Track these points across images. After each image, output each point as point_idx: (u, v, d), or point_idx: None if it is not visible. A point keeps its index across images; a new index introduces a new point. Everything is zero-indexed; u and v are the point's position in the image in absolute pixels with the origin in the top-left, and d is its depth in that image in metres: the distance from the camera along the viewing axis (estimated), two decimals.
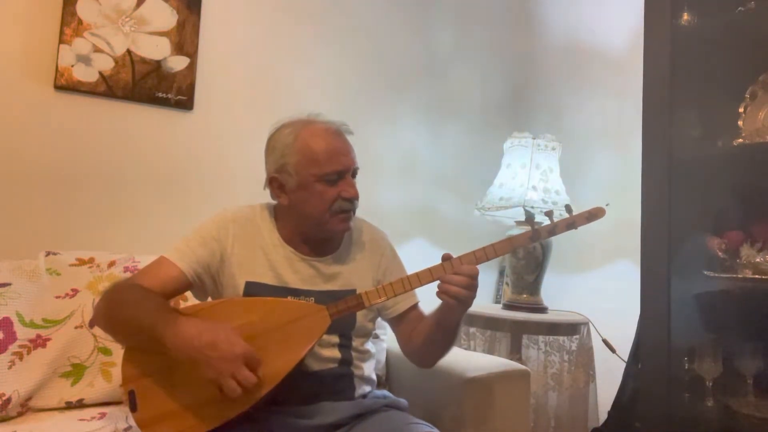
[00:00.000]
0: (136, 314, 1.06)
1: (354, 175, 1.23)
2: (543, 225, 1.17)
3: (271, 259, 1.22)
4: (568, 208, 1.18)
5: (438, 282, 1.11)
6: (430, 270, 1.11)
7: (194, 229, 1.23)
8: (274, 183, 1.22)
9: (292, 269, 1.22)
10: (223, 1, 2.03)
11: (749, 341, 1.42)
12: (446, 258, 1.12)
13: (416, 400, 1.44)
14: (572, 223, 1.16)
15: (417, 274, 1.11)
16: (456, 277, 1.07)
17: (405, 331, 1.29)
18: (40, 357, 1.39)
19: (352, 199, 1.20)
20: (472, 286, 1.08)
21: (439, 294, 1.09)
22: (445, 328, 1.17)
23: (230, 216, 1.25)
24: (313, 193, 1.18)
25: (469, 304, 1.11)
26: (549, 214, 1.17)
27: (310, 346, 1.07)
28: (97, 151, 1.81)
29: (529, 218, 1.18)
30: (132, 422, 1.12)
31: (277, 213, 1.29)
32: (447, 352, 1.24)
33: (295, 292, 1.20)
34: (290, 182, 1.20)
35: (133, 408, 1.07)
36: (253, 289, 1.19)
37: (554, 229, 1.16)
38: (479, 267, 1.13)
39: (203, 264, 1.19)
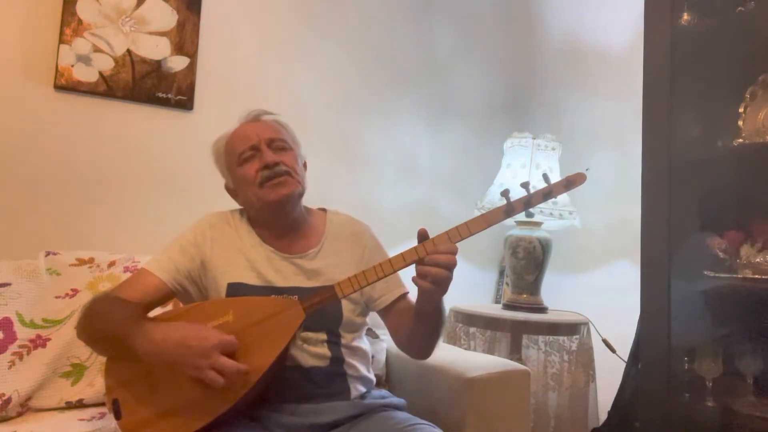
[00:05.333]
0: (108, 326, 1.07)
1: (271, 145, 1.23)
2: (518, 197, 1.08)
3: (252, 260, 1.22)
4: (545, 178, 1.09)
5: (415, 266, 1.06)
6: (402, 255, 1.06)
7: (173, 239, 1.25)
8: (229, 191, 1.31)
9: (274, 268, 1.22)
10: (223, 1, 2.04)
11: (749, 341, 1.42)
12: (422, 238, 1.06)
13: (416, 400, 1.44)
14: (549, 192, 1.07)
15: (390, 260, 1.07)
16: (435, 257, 1.01)
17: (394, 323, 1.27)
18: (40, 357, 1.39)
19: (271, 165, 1.19)
20: (450, 265, 1.01)
21: (416, 279, 1.03)
22: (426, 315, 1.13)
23: (207, 222, 1.27)
24: (242, 179, 1.22)
25: (446, 287, 1.04)
26: (525, 185, 1.07)
27: (286, 341, 1.06)
28: (97, 151, 1.81)
29: (504, 192, 1.08)
30: None
31: (250, 215, 1.30)
32: (435, 341, 1.21)
33: (279, 291, 1.19)
34: (231, 182, 1.28)
35: (118, 416, 1.07)
36: (235, 291, 1.19)
37: (530, 200, 1.07)
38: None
39: (183, 271, 1.20)
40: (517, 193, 1.07)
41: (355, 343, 1.26)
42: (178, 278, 1.19)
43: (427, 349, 1.24)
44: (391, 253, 1.34)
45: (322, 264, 1.25)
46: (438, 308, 1.13)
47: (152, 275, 1.17)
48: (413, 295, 1.28)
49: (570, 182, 1.07)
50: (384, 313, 1.29)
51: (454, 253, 1.02)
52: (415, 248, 1.05)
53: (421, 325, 1.16)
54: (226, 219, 1.29)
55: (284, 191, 1.20)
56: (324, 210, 1.36)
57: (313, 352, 1.18)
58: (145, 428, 1.05)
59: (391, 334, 1.30)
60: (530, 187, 1.07)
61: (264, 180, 1.19)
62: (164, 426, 1.04)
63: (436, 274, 1.00)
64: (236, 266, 1.21)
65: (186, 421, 1.03)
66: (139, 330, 1.02)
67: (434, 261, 1.01)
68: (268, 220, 1.26)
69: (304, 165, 1.32)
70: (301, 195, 1.26)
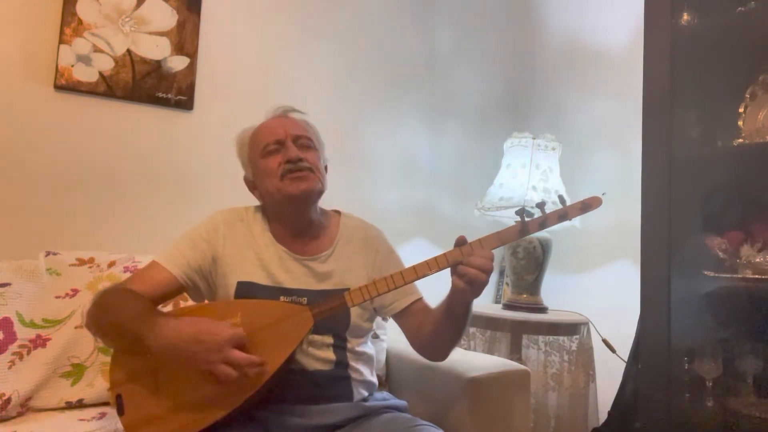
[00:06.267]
0: (120, 319, 1.07)
1: (296, 142, 1.24)
2: (533, 217, 1.09)
3: (263, 259, 1.22)
4: (561, 199, 1.10)
5: (437, 272, 1.07)
6: (414, 267, 1.08)
7: (185, 232, 1.24)
8: (247, 184, 1.31)
9: (284, 269, 1.22)
10: (223, 1, 2.03)
11: (749, 341, 1.42)
12: (458, 243, 1.07)
13: (416, 401, 1.44)
14: (565, 214, 1.08)
15: (401, 273, 1.08)
16: (474, 259, 1.02)
17: (411, 326, 1.27)
18: (40, 357, 1.39)
19: (294, 159, 1.20)
20: (486, 268, 1.03)
21: (455, 279, 1.04)
22: (455, 315, 1.13)
23: (220, 218, 1.27)
24: (264, 171, 1.23)
25: (479, 290, 1.06)
26: (541, 205, 1.08)
27: (293, 347, 1.06)
28: (97, 151, 1.81)
29: (520, 211, 1.09)
30: None
31: (265, 212, 1.29)
32: (457, 342, 1.21)
33: (288, 292, 1.19)
34: (251, 174, 1.28)
35: (121, 411, 1.07)
36: (244, 289, 1.19)
37: (545, 222, 1.08)
38: None
39: (194, 266, 1.20)
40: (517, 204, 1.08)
41: (360, 348, 1.26)
42: (189, 273, 1.19)
43: (447, 350, 1.24)
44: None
45: (333, 267, 1.25)
46: (467, 310, 1.13)
47: (163, 269, 1.18)
48: (426, 299, 1.30)
49: (586, 206, 1.09)
50: (399, 317, 1.29)
51: (490, 258, 1.03)
52: (426, 262, 1.07)
53: (447, 323, 1.15)
54: (240, 215, 1.29)
55: (303, 186, 1.20)
56: (338, 212, 1.36)
57: (317, 356, 1.18)
58: (147, 426, 1.05)
59: (408, 336, 1.29)
60: (545, 208, 1.08)
61: (285, 172, 1.19)
62: (167, 425, 1.04)
63: (474, 276, 1.02)
64: (247, 265, 1.21)
65: (189, 421, 1.03)
66: (152, 325, 1.02)
67: (473, 263, 1.02)
68: (285, 215, 1.26)
69: (325, 168, 1.32)
70: (320, 193, 1.26)
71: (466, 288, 1.04)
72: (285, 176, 1.19)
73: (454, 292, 1.08)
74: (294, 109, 1.32)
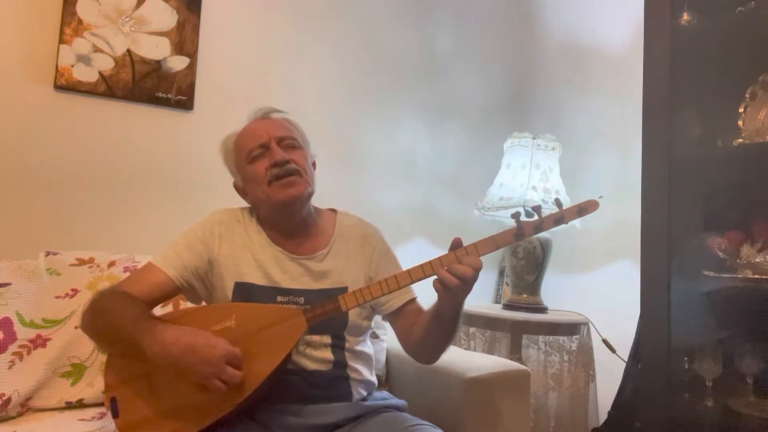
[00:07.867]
0: (116, 323, 1.07)
1: (281, 143, 1.21)
2: (529, 221, 1.08)
3: (260, 260, 1.22)
4: (557, 202, 1.10)
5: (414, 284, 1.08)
6: (409, 271, 1.07)
7: (182, 233, 1.24)
8: (238, 190, 1.30)
9: (281, 269, 1.22)
10: (223, 1, 2.04)
11: (749, 341, 1.42)
12: (454, 246, 1.06)
13: (416, 401, 1.44)
14: (561, 218, 1.08)
15: (396, 276, 1.08)
16: (456, 266, 1.01)
17: (403, 327, 1.26)
18: (40, 357, 1.39)
19: (280, 163, 1.18)
20: (466, 277, 1.01)
21: (436, 283, 1.03)
22: (443, 319, 1.12)
23: (217, 218, 1.26)
24: (251, 177, 1.21)
25: (462, 297, 1.05)
26: (536, 209, 1.07)
27: (286, 351, 1.06)
28: (97, 151, 1.81)
29: (515, 215, 1.08)
30: None
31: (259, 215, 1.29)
32: (447, 346, 1.20)
33: (285, 292, 1.19)
34: (239, 181, 1.27)
35: (115, 414, 1.07)
36: (241, 290, 1.19)
37: (541, 225, 1.07)
38: None
39: (190, 268, 1.19)
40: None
41: (359, 347, 1.25)
42: (185, 275, 1.19)
43: (436, 354, 1.23)
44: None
45: (330, 266, 1.24)
46: (456, 314, 1.12)
47: (159, 270, 1.17)
48: (421, 299, 1.29)
49: (582, 209, 1.08)
50: (392, 317, 1.28)
51: (476, 267, 1.01)
52: (421, 266, 1.06)
53: (436, 327, 1.14)
54: (236, 216, 1.28)
55: (292, 192, 1.18)
56: (334, 211, 1.35)
57: (316, 357, 1.18)
58: (142, 428, 1.05)
59: (399, 337, 1.28)
60: (542, 211, 1.07)
61: (273, 178, 1.18)
62: (161, 427, 1.04)
63: (450, 284, 1.00)
64: (244, 265, 1.21)
65: (184, 423, 1.03)
66: (149, 330, 1.01)
67: (453, 270, 1.01)
68: (276, 219, 1.25)
69: (314, 164, 1.30)
70: (310, 196, 1.24)
71: (444, 293, 1.03)
72: (273, 182, 1.17)
73: (438, 297, 1.07)
74: (274, 110, 1.30)
